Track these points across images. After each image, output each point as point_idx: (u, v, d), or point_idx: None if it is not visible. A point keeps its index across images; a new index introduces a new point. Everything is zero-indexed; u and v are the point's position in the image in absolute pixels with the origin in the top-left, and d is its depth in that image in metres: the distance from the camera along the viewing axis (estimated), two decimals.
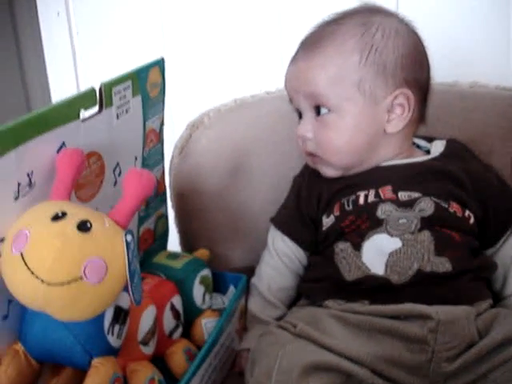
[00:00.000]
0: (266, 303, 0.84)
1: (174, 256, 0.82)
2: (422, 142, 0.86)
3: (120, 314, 0.62)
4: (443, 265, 0.72)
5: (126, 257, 0.57)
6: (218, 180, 0.94)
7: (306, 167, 0.87)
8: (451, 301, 0.71)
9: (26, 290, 0.55)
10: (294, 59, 0.82)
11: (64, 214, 0.56)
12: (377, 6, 0.83)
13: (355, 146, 0.79)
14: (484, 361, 0.67)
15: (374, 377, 0.68)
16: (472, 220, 0.77)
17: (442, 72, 0.86)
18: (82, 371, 0.63)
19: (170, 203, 0.93)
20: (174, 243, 0.94)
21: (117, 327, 0.61)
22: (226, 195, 0.94)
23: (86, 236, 0.55)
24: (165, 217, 0.87)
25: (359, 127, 0.78)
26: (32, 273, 0.53)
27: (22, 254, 0.54)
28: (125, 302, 0.62)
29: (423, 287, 0.72)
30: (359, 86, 0.77)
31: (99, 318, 0.59)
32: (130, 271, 0.57)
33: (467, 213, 0.77)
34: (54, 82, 1.31)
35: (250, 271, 0.87)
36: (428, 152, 0.84)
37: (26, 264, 0.54)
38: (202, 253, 0.85)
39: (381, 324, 0.70)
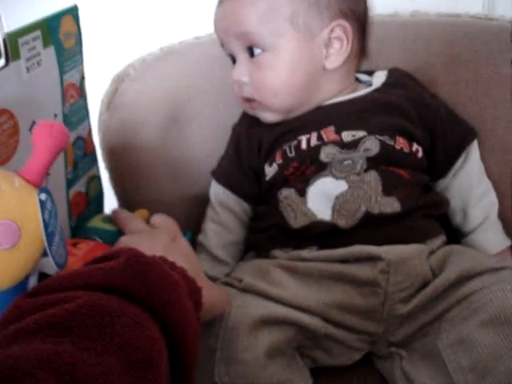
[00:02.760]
0: (214, 260, 0.81)
1: (110, 219, 0.77)
2: (364, 77, 0.83)
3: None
4: (391, 205, 0.70)
5: (41, 217, 0.52)
6: (150, 134, 0.89)
7: (245, 115, 0.83)
8: (402, 240, 0.69)
9: None
10: (221, 0, 0.77)
11: None
12: None
13: (294, 85, 0.75)
14: (439, 300, 0.66)
15: (326, 325, 0.66)
16: (420, 153, 0.75)
17: (381, 2, 0.81)
18: None
19: (102, 164, 0.88)
20: (112, 206, 0.88)
21: None
22: (161, 149, 0.89)
23: None
24: (97, 178, 0.81)
25: (296, 65, 0.74)
26: None
27: None
28: (51, 268, 0.58)
29: (372, 229, 0.70)
30: (292, 20, 0.73)
31: (21, 287, 0.54)
32: (46, 233, 0.52)
33: (415, 147, 0.74)
34: None
35: (194, 228, 0.83)
36: (371, 85, 0.81)
37: None
38: (142, 213, 0.80)
39: (330, 270, 0.68)
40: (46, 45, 0.64)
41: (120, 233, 0.74)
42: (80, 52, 0.72)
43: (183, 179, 0.89)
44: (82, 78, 0.74)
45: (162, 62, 0.93)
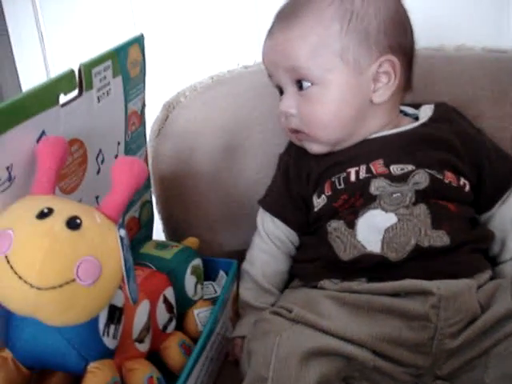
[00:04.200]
0: (260, 290, 0.81)
1: (163, 246, 0.78)
2: (410, 110, 0.84)
3: (115, 313, 0.58)
4: (441, 238, 0.70)
5: (122, 253, 0.53)
6: (199, 161, 0.90)
7: (291, 144, 0.84)
8: (451, 274, 0.69)
9: (15, 296, 0.50)
10: (271, 32, 0.78)
11: (50, 211, 0.51)
12: None
13: (342, 118, 0.76)
14: (487, 335, 0.66)
15: (375, 358, 0.66)
16: (467, 187, 0.75)
17: (427, 36, 0.82)
18: (74, 375, 0.59)
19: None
20: (156, 231, 0.89)
21: (112, 327, 0.57)
22: (209, 177, 0.90)
23: (76, 234, 0.50)
24: (149, 203, 0.82)
25: (345, 99, 0.75)
26: (20, 277, 0.48)
27: (6, 257, 0.49)
28: (119, 299, 0.58)
29: (422, 262, 0.70)
30: (342, 55, 0.73)
31: (93, 320, 0.55)
32: (125, 269, 0.53)
33: (462, 181, 0.75)
34: (21, 65, 1.25)
35: (239, 255, 0.84)
36: (417, 119, 0.81)
37: (11, 268, 0.49)
38: (191, 241, 0.81)
39: (380, 302, 0.68)
40: (115, 74, 0.66)
41: (173, 260, 0.75)
42: (143, 80, 0.73)
43: (231, 206, 0.90)
44: (143, 106, 0.75)
45: (211, 90, 0.94)
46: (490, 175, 0.78)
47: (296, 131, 0.79)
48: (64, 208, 0.52)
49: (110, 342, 0.57)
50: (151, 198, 0.83)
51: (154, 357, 0.68)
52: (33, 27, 1.21)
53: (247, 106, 0.92)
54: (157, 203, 0.93)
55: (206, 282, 0.81)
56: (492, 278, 0.73)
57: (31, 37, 1.22)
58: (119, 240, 0.53)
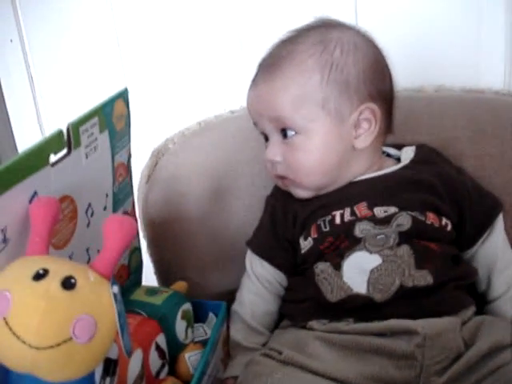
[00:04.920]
0: (249, 330, 0.83)
1: (152, 292, 0.79)
2: (392, 150, 0.86)
3: (110, 366, 0.59)
4: (424, 278, 0.72)
5: (116, 309, 0.54)
6: (189, 206, 0.92)
7: (278, 187, 0.86)
8: (435, 313, 0.71)
9: (13, 356, 0.51)
10: (254, 82, 0.81)
11: (46, 272, 0.52)
12: (332, 19, 0.81)
13: (326, 165, 0.78)
14: (472, 371, 0.68)
15: None
16: (449, 227, 0.78)
17: (407, 77, 0.86)
18: None
19: (141, 233, 0.91)
20: (146, 274, 0.91)
21: (108, 380, 0.58)
22: (199, 221, 0.92)
23: (71, 293, 0.52)
24: (138, 250, 0.84)
25: (328, 146, 0.77)
26: (18, 338, 0.50)
27: (5, 319, 0.50)
28: (113, 352, 0.59)
29: (406, 302, 0.72)
30: (323, 105, 0.76)
31: (90, 374, 0.56)
32: (120, 324, 0.55)
33: (444, 221, 0.77)
34: (12, 107, 1.29)
35: (229, 295, 0.86)
36: (398, 160, 0.84)
37: (10, 329, 0.50)
38: (180, 285, 0.83)
39: (367, 343, 0.70)
40: (101, 130, 0.67)
41: (164, 306, 0.76)
42: (128, 132, 0.75)
43: (221, 248, 0.92)
44: (129, 157, 0.76)
45: (199, 136, 0.97)
46: (470, 214, 0.80)
47: (282, 177, 0.81)
48: (59, 268, 0.54)
49: None
50: (139, 244, 0.84)
51: None
52: (24, 77, 1.24)
53: (234, 150, 0.94)
54: (148, 247, 0.94)
55: (196, 325, 0.82)
56: (478, 313, 0.76)
57: (22, 87, 1.26)
58: (112, 296, 0.55)
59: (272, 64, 0.79)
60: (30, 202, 0.57)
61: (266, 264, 0.84)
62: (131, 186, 0.79)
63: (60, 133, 0.61)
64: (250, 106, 0.81)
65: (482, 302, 0.80)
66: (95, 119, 0.66)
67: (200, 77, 1.15)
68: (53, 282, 0.52)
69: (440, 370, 0.68)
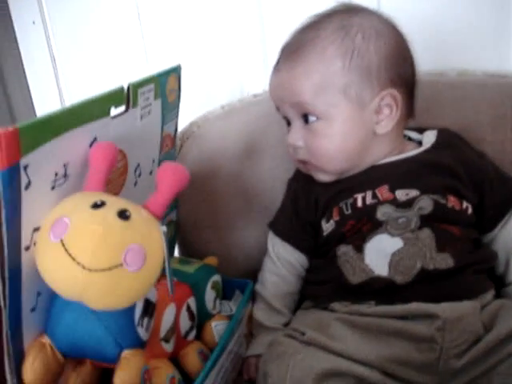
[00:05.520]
0: (271, 310, 0.85)
1: (185, 262, 0.82)
2: (414, 134, 0.88)
3: (149, 307, 0.62)
4: (445, 261, 0.73)
5: (165, 246, 0.58)
6: (213, 189, 0.94)
7: (300, 170, 0.88)
8: (456, 296, 0.72)
9: (66, 277, 0.54)
10: (276, 68, 0.83)
11: (103, 203, 0.57)
12: (353, 4, 0.83)
13: (347, 151, 0.80)
14: (491, 355, 0.69)
15: (385, 378, 0.69)
16: (470, 211, 0.79)
17: (429, 61, 0.86)
18: (101, 366, 0.64)
19: None
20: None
21: (146, 320, 0.62)
22: (223, 203, 0.95)
23: (126, 224, 0.56)
24: (174, 223, 0.87)
25: (349, 132, 0.79)
26: (73, 259, 0.53)
27: (62, 241, 0.54)
28: (153, 295, 0.63)
29: (427, 285, 0.73)
30: (345, 91, 0.77)
31: (130, 310, 0.60)
32: (167, 260, 0.58)
33: (465, 204, 0.79)
34: (35, 91, 1.29)
35: (253, 275, 0.88)
36: (420, 143, 0.85)
37: (66, 250, 0.54)
38: (211, 260, 0.86)
39: (388, 325, 0.72)
40: (156, 97, 0.72)
41: (196, 274, 0.79)
42: (178, 106, 0.79)
43: (244, 228, 0.95)
44: (176, 130, 0.81)
45: (223, 120, 0.98)
46: (491, 198, 0.82)
47: (303, 162, 0.83)
48: (115, 202, 0.58)
49: (143, 334, 0.61)
50: (176, 218, 0.88)
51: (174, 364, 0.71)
52: (46, 57, 1.26)
53: (257, 134, 0.96)
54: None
55: (222, 301, 0.85)
56: (496, 297, 0.77)
57: (45, 67, 1.27)
58: (162, 234, 0.58)
59: (294, 50, 0.80)
60: (90, 146, 0.62)
61: (287, 246, 0.86)
62: (175, 159, 0.83)
63: (121, 89, 0.66)
64: (272, 91, 0.84)
65: (501, 285, 0.81)
66: (152, 85, 0.71)
67: (223, 61, 1.15)
68: (110, 212, 0.56)
69: (459, 353, 0.70)
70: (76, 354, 0.61)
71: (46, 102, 1.29)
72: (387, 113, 0.80)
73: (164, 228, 0.59)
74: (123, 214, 0.56)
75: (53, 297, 0.60)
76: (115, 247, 0.54)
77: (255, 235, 0.95)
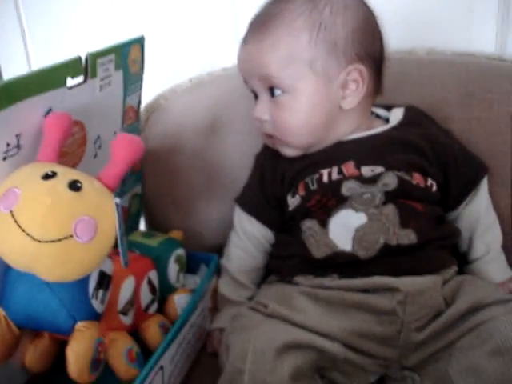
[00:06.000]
0: (236, 284, 0.85)
1: (149, 235, 0.82)
2: (381, 111, 0.87)
3: (104, 279, 0.62)
4: (408, 236, 0.74)
5: (117, 218, 0.57)
6: (177, 163, 0.93)
7: (267, 146, 0.87)
8: (418, 271, 0.73)
9: (15, 248, 0.54)
10: (244, 41, 0.81)
11: (54, 174, 0.56)
12: None
13: (312, 125, 0.79)
14: (451, 329, 0.70)
15: (346, 351, 0.70)
16: (434, 188, 0.79)
17: (399, 39, 0.86)
18: (59, 340, 0.64)
19: None
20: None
21: (101, 292, 0.61)
22: (187, 178, 0.93)
23: (76, 195, 0.55)
24: (139, 196, 0.87)
25: (315, 106, 0.78)
26: (22, 230, 0.53)
27: (11, 212, 0.54)
28: (108, 267, 0.63)
29: (390, 259, 0.73)
30: (311, 65, 0.76)
31: (84, 282, 0.60)
32: (119, 233, 0.58)
33: (429, 182, 0.79)
34: (2, 58, 1.25)
35: (220, 250, 0.88)
36: (387, 121, 0.85)
37: (16, 221, 0.53)
38: (176, 233, 0.86)
39: (351, 298, 0.72)
40: (117, 68, 0.71)
41: (158, 248, 0.79)
42: (141, 79, 0.79)
43: (210, 202, 0.95)
44: (139, 103, 0.80)
45: (191, 93, 0.98)
46: (455, 176, 0.82)
47: (270, 136, 0.82)
48: (67, 172, 0.58)
49: (97, 306, 0.61)
50: (141, 191, 0.87)
51: (135, 338, 0.71)
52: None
53: (225, 108, 0.95)
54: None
55: (187, 274, 0.85)
56: (459, 273, 0.77)
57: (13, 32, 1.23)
58: (115, 206, 0.58)
59: (262, 22, 0.79)
60: (45, 117, 0.61)
61: (253, 221, 0.85)
62: (139, 133, 0.82)
63: (78, 59, 0.65)
64: (240, 64, 0.83)
65: (463, 262, 0.81)
66: (112, 56, 0.70)
67: (192, 33, 1.13)
68: (60, 182, 0.56)
69: (420, 327, 0.70)
70: (31, 325, 0.61)
71: (13, 70, 1.24)
72: (353, 88, 0.79)
73: (117, 200, 0.58)
74: (74, 185, 0.56)
75: (7, 268, 0.59)
76: (65, 218, 0.54)
77: (220, 211, 0.94)
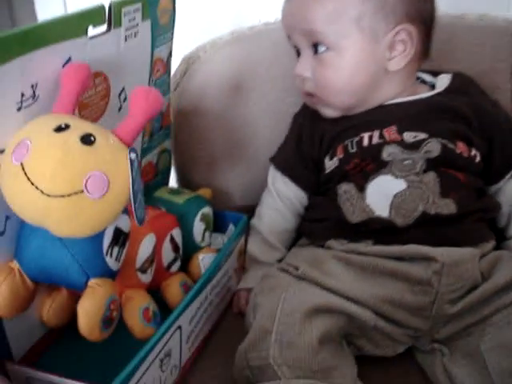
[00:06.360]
0: (266, 245, 0.83)
1: (176, 192, 0.81)
2: (427, 77, 0.84)
3: (119, 236, 0.60)
4: (448, 206, 0.71)
5: (130, 174, 0.55)
6: (215, 117, 0.91)
7: (306, 106, 0.85)
8: (456, 242, 0.70)
9: (25, 202, 0.53)
10: None
11: (67, 126, 0.54)
12: None
13: (355, 85, 0.77)
14: (486, 304, 0.67)
15: (376, 318, 0.68)
16: (478, 159, 0.76)
17: (450, 2, 0.82)
18: (77, 293, 0.62)
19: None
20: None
21: (116, 249, 0.60)
22: (225, 131, 0.91)
23: (89, 149, 0.53)
24: (168, 152, 0.85)
25: (359, 66, 0.76)
26: (32, 183, 0.51)
27: (22, 164, 0.52)
28: (125, 224, 0.61)
29: (427, 229, 0.71)
30: (358, 22, 0.74)
31: (98, 238, 0.58)
32: (133, 189, 0.56)
33: (473, 152, 0.75)
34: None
35: (250, 211, 0.86)
36: (433, 87, 0.82)
37: (25, 174, 0.52)
38: (205, 191, 0.84)
39: (384, 265, 0.70)
40: (144, 18, 0.68)
41: (184, 205, 0.77)
42: (172, 29, 0.76)
43: (243, 165, 0.93)
44: (170, 55, 0.77)
45: (231, 46, 0.95)
46: (500, 149, 0.78)
47: (310, 94, 0.80)
48: (80, 125, 0.55)
49: (112, 263, 0.60)
50: (170, 147, 0.85)
51: (155, 295, 0.70)
52: None
53: (265, 64, 0.93)
54: (173, 152, 0.93)
55: (215, 233, 0.83)
56: (496, 249, 0.74)
57: None
58: (129, 162, 0.56)
59: None
60: (63, 67, 0.59)
61: (288, 181, 0.84)
62: (168, 86, 0.80)
63: (101, 7, 0.62)
64: (284, 18, 0.80)
65: (502, 238, 0.78)
66: (138, 4, 0.67)
67: None
68: (72, 135, 0.54)
69: (454, 299, 0.68)
70: (45, 280, 0.61)
71: (49, 9, 1.24)
72: (401, 49, 0.76)
73: (133, 155, 0.56)
74: (87, 139, 0.54)
75: (22, 221, 0.58)
76: (75, 173, 0.52)
77: (254, 171, 0.92)
